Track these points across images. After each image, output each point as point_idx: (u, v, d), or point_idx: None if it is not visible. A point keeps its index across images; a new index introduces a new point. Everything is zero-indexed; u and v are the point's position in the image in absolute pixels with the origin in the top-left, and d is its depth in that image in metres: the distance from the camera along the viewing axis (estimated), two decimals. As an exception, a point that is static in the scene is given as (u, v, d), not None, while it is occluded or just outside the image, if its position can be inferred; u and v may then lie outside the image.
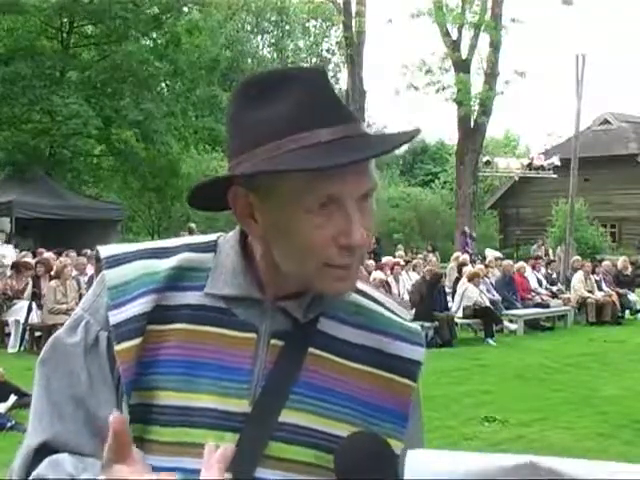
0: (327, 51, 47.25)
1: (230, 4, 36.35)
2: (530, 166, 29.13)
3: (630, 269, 17.72)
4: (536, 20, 39.31)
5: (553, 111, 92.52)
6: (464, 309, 13.21)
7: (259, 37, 46.09)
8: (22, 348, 11.28)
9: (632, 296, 16.34)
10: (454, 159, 31.23)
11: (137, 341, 1.11)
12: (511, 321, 14.01)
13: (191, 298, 1.14)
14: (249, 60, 42.73)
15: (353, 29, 28.42)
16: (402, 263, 15.59)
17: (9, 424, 6.90)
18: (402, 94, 47.04)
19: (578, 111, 19.73)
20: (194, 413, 1.09)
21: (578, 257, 18.25)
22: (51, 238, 18.93)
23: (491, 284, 14.39)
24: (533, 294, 15.36)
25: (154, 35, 28.15)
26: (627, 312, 15.99)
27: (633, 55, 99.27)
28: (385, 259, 15.93)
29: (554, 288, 16.31)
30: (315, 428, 1.12)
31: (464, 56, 28.05)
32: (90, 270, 12.87)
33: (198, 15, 30.75)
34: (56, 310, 11.04)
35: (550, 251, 23.82)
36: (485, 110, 27.96)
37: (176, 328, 1.12)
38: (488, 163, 29.04)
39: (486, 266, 15.60)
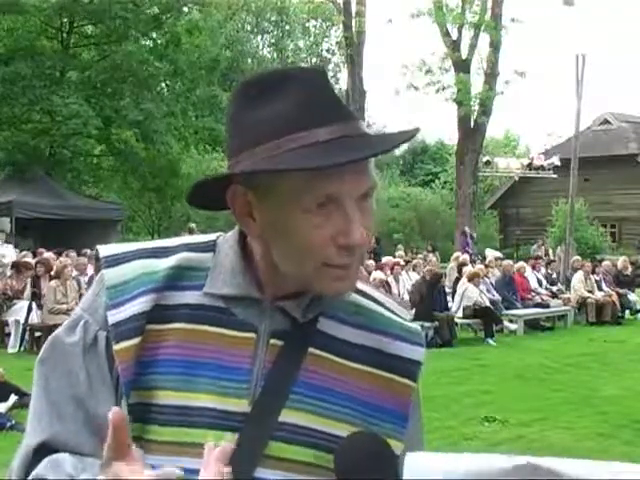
0: (327, 51, 47.27)
1: (230, 4, 36.36)
2: (530, 166, 29.13)
3: (630, 269, 17.72)
4: (536, 20, 39.42)
5: (553, 111, 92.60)
6: (464, 309, 13.21)
7: (259, 37, 46.10)
8: (22, 348, 11.29)
9: (632, 296, 16.34)
10: (454, 159, 31.22)
11: (136, 340, 1.10)
12: (511, 321, 14.02)
13: (190, 298, 1.14)
14: (249, 60, 42.73)
15: (353, 29, 28.42)
16: (402, 263, 15.59)
17: (9, 424, 6.91)
18: (402, 94, 46.93)
19: (578, 111, 19.73)
20: (193, 413, 1.09)
21: (578, 257, 18.26)
22: (51, 238, 18.93)
23: (491, 284, 14.40)
24: (533, 294, 15.36)
25: (154, 35, 28.16)
26: (627, 312, 16.00)
27: (633, 55, 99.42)
28: (385, 259, 15.93)
29: (554, 288, 16.31)
30: (315, 428, 1.11)
31: (464, 56, 28.04)
32: (90, 270, 12.87)
33: (198, 15, 30.76)
34: (56, 310, 11.05)
35: (550, 251, 23.82)
36: (485, 110, 27.95)
37: (175, 328, 1.12)
38: (488, 163, 29.04)
39: (486, 266, 15.60)
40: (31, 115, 25.91)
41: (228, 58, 35.53)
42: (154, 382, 1.10)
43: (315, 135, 1.05)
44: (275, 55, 45.35)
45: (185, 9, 29.11)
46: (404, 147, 45.04)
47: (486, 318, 13.08)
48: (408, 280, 14.51)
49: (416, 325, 1.25)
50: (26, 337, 11.47)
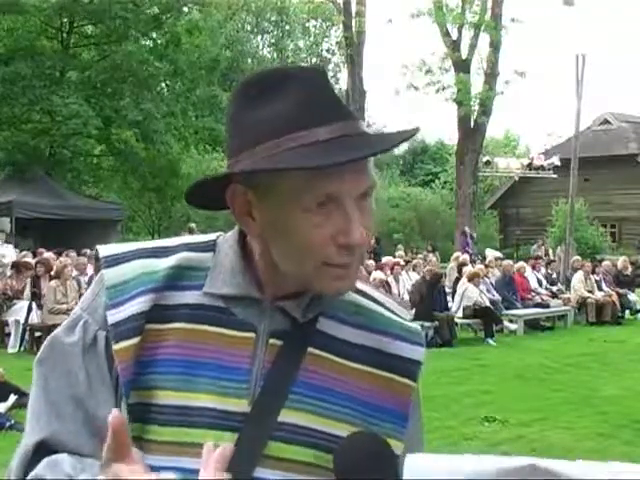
0: (327, 51, 47.28)
1: (230, 4, 36.36)
2: (530, 166, 29.13)
3: (630, 269, 17.73)
4: (536, 20, 39.44)
5: (553, 111, 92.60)
6: (464, 309, 13.21)
7: (259, 37, 46.11)
8: (22, 348, 11.29)
9: (632, 296, 16.34)
10: (454, 159, 31.22)
11: (135, 340, 1.10)
12: (511, 321, 14.02)
13: (190, 297, 1.14)
14: (249, 60, 42.73)
15: (353, 29, 28.42)
16: (402, 263, 15.59)
17: (8, 424, 6.90)
18: (402, 94, 46.91)
19: (578, 111, 19.73)
20: (193, 413, 1.09)
21: (578, 257, 18.26)
22: (51, 238, 18.94)
23: (491, 284, 14.40)
24: (533, 294, 15.36)
25: (154, 35, 28.16)
26: (627, 312, 16.00)
27: (633, 55, 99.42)
28: (385, 259, 15.93)
29: (554, 288, 16.31)
30: (314, 428, 1.11)
31: (464, 56, 28.04)
32: (90, 270, 12.87)
33: (198, 15, 30.78)
34: (56, 310, 11.05)
35: (550, 251, 23.82)
36: (485, 110, 27.95)
37: (175, 327, 1.12)
38: (488, 163, 29.05)
39: (486, 266, 15.60)
40: (31, 115, 25.92)
41: (228, 58, 35.54)
42: (154, 382, 1.10)
43: (315, 134, 1.05)
44: (275, 55, 45.35)
45: (185, 9, 29.13)
46: (404, 147, 45.10)
47: (486, 318, 13.08)
48: (408, 280, 14.51)
49: (416, 325, 1.25)
50: (26, 337, 11.47)
